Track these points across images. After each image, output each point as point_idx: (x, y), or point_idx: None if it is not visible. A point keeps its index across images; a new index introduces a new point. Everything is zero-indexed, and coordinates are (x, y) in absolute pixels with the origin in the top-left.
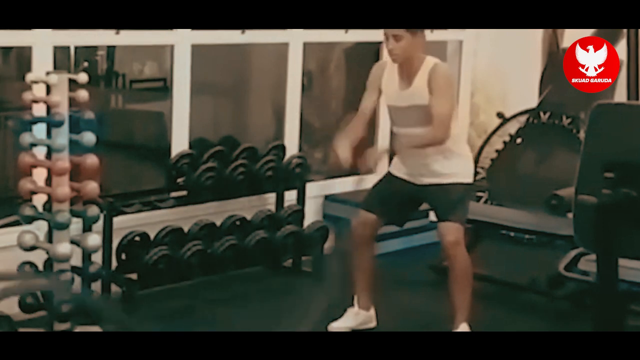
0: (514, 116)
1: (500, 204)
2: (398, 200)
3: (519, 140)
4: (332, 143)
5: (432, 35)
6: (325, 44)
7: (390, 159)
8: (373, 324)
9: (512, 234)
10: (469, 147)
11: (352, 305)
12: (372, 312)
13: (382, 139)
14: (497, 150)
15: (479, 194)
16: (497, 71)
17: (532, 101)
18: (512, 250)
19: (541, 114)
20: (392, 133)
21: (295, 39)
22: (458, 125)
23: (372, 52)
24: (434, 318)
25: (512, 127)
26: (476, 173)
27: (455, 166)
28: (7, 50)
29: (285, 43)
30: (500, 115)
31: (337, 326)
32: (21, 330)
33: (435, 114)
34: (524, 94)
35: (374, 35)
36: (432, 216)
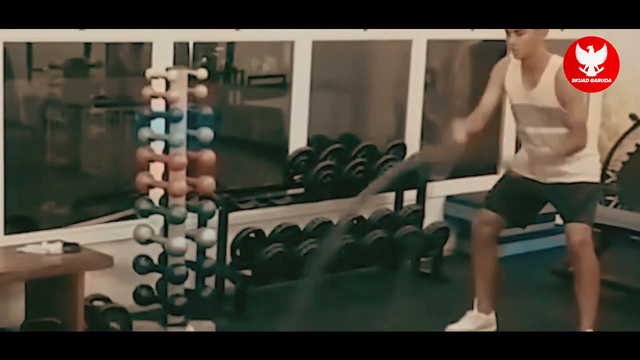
0: None
1: (631, 208)
2: (521, 199)
3: None
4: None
5: (563, 33)
6: (449, 42)
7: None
8: (493, 328)
9: None
10: (596, 146)
11: (471, 308)
12: (492, 315)
13: (507, 142)
14: (628, 153)
15: (609, 197)
16: (631, 71)
17: None
18: None
19: None
20: (517, 131)
21: (419, 36)
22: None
23: (499, 50)
24: (557, 324)
25: None
26: (607, 176)
27: (582, 165)
28: (127, 46)
29: (409, 40)
30: (633, 117)
31: (455, 329)
32: (135, 322)
33: (573, 122)
34: None
35: (501, 33)
36: (558, 219)
